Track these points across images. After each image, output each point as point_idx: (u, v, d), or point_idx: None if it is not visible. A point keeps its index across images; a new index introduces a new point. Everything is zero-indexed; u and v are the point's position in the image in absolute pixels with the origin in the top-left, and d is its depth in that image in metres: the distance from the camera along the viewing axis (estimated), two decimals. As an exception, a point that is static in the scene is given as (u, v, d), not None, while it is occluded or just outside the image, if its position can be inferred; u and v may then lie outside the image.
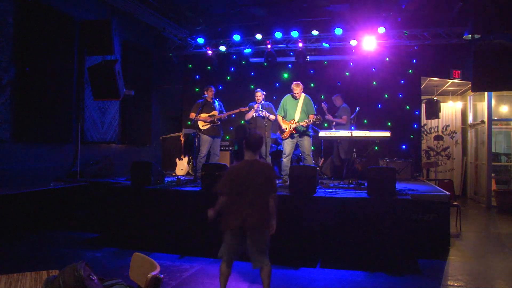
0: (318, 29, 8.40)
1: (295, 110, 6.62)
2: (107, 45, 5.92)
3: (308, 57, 8.72)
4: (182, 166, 8.02)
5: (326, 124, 8.01)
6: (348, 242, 4.85)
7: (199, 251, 5.12)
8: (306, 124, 6.48)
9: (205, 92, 7.29)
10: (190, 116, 7.25)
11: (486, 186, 9.10)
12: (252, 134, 3.65)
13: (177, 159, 8.09)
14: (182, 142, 8.46)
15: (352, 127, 7.27)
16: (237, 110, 7.37)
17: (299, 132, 6.57)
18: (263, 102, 7.16)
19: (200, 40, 8.95)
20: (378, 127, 7.89)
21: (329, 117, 7.85)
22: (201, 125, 7.12)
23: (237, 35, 8.83)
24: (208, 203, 4.45)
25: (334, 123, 7.83)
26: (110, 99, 7.51)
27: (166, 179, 6.58)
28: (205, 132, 7.14)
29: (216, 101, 7.33)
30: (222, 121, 7.39)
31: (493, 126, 9.34)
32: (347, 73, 9.39)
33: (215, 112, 7.21)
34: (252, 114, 7.14)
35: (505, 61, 4.97)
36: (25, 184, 5.97)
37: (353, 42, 8.41)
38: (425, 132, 11.08)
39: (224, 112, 7.38)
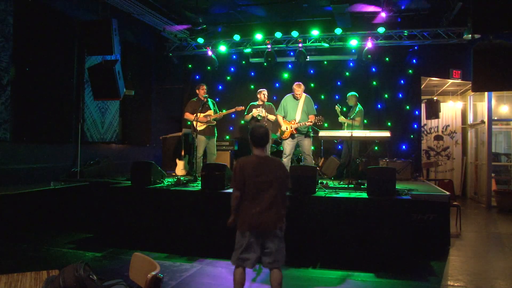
0: (318, 29, 8.41)
1: (296, 110, 6.61)
2: (107, 45, 5.91)
3: (308, 57, 8.72)
4: (182, 166, 8.01)
5: (326, 124, 8.00)
6: (348, 242, 4.85)
7: (199, 251, 5.11)
8: (307, 125, 6.47)
9: (197, 91, 7.25)
10: (185, 116, 7.22)
11: (486, 186, 9.09)
12: (256, 129, 3.34)
13: (177, 159, 8.09)
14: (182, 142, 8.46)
15: None
16: (233, 110, 7.33)
17: (300, 133, 6.57)
18: (265, 102, 7.16)
19: (200, 40, 8.96)
20: (378, 127, 7.88)
21: (342, 119, 7.69)
22: (197, 125, 7.02)
23: (237, 35, 8.83)
24: (208, 203, 4.43)
25: (346, 124, 7.64)
26: (110, 99, 7.51)
27: (166, 179, 6.58)
28: (201, 132, 7.04)
29: (209, 101, 7.26)
30: (217, 121, 7.32)
31: (493, 126, 9.33)
32: (347, 73, 9.40)
33: (210, 112, 7.14)
34: (250, 116, 7.12)
35: (505, 61, 4.97)
36: (25, 184, 5.96)
37: (353, 42, 8.42)
38: (425, 132, 11.08)
39: (217, 111, 7.34)
